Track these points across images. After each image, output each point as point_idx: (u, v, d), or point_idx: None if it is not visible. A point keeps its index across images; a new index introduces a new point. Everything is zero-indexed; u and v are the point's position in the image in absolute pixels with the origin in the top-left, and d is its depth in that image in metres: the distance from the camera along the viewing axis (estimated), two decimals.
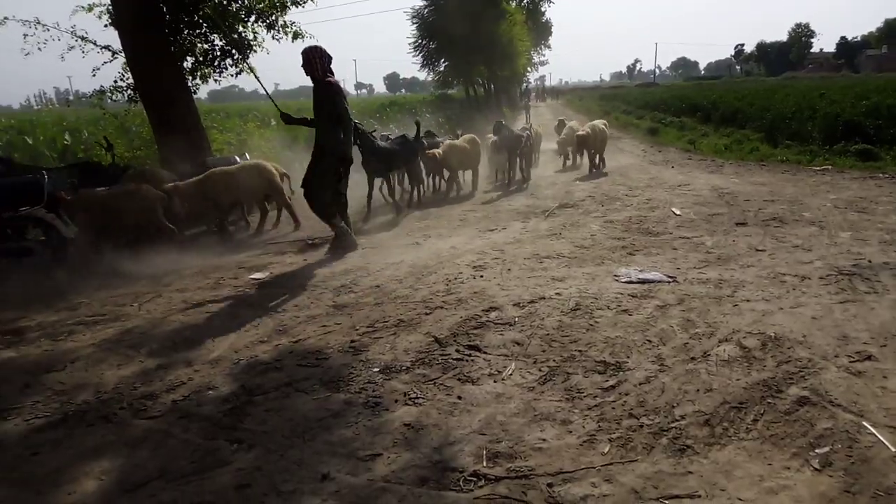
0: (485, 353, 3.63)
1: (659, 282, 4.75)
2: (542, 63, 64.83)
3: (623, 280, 4.84)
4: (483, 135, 11.67)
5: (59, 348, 4.15)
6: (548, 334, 3.83)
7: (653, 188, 9.33)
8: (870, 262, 4.98)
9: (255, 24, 9.92)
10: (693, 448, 2.58)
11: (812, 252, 5.39)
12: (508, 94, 45.89)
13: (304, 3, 10.23)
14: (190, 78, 9.62)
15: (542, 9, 51.68)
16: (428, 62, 31.57)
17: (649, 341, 3.66)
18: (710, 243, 5.88)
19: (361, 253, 6.46)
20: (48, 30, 9.02)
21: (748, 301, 4.23)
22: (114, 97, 9.97)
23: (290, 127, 8.45)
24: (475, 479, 2.46)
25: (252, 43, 9.93)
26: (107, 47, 9.50)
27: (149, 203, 6.56)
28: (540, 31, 52.94)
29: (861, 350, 3.40)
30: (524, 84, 47.00)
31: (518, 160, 10.79)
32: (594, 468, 2.48)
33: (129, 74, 9.33)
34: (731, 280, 4.71)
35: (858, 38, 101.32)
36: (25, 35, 8.96)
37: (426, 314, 4.34)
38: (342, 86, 6.29)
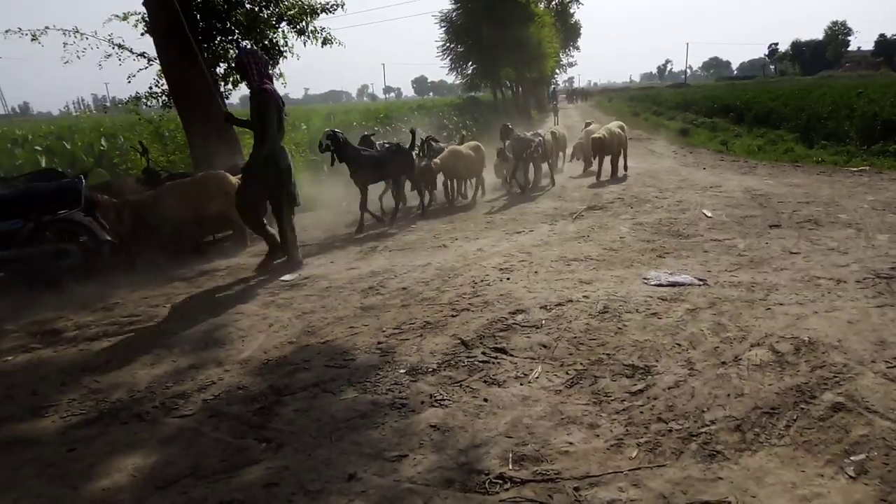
0: (511, 355, 3.62)
1: (689, 285, 4.68)
2: (571, 64, 64.54)
3: (652, 283, 4.78)
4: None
5: (94, 348, 4.26)
6: (575, 337, 3.80)
7: (683, 190, 9.20)
8: None
9: (286, 30, 10.07)
10: (723, 454, 2.54)
11: (848, 255, 5.25)
12: (536, 95, 45.75)
13: (334, 9, 10.36)
14: (222, 83, 9.81)
15: (571, 10, 51.47)
16: (456, 65, 31.68)
17: (679, 345, 3.60)
18: (742, 246, 5.77)
19: (388, 255, 6.50)
20: (86, 38, 9.28)
21: (781, 305, 4.14)
22: (149, 103, 10.22)
23: (322, 131, 8.54)
24: (501, 481, 2.45)
25: (282, 48, 10.08)
26: (142, 54, 9.75)
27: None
28: (569, 32, 52.67)
29: None
30: (552, 86, 46.77)
31: (528, 166, 10.22)
32: (622, 473, 2.45)
33: (164, 81, 9.55)
34: (764, 283, 4.61)
35: None
36: (65, 44, 9.24)
37: (452, 316, 4.35)
38: (280, 93, 5.92)
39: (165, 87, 9.64)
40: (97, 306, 5.26)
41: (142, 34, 9.61)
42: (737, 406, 2.89)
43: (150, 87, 10.06)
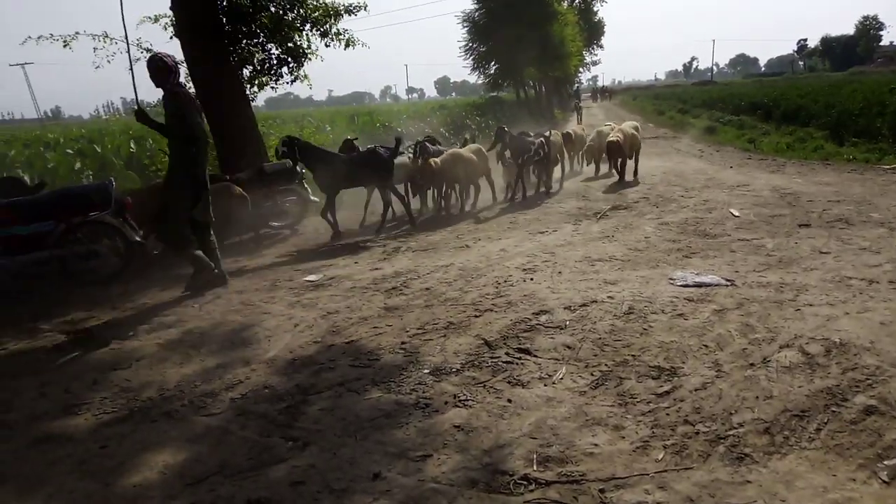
0: (535, 356, 3.61)
1: (716, 285, 4.62)
2: (595, 63, 64.03)
3: (679, 283, 4.72)
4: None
5: (125, 347, 4.35)
6: (600, 338, 3.78)
7: (710, 189, 9.07)
8: None
9: (310, 33, 10.16)
10: (752, 456, 2.50)
11: (881, 254, 5.13)
12: (560, 95, 45.49)
13: (357, 11, 10.42)
14: (248, 86, 9.93)
15: (595, 8, 51.13)
16: (478, 65, 31.62)
17: (706, 346, 3.56)
18: (770, 245, 5.67)
19: (412, 255, 6.52)
20: (116, 43, 9.46)
21: (811, 305, 4.07)
22: None
23: (347, 132, 8.57)
24: (525, 482, 2.45)
25: (307, 51, 10.17)
26: None
27: None
28: (592, 30, 52.33)
29: None
30: (576, 85, 46.45)
31: (529, 170, 9.75)
32: (648, 475, 2.43)
33: (191, 83, 9.69)
34: (794, 284, 4.53)
35: None
36: (95, 48, 9.44)
37: (476, 317, 4.35)
38: (191, 97, 5.59)
39: (192, 90, 9.78)
40: (127, 306, 5.37)
41: (170, 37, 9.77)
42: (765, 408, 2.84)
43: None
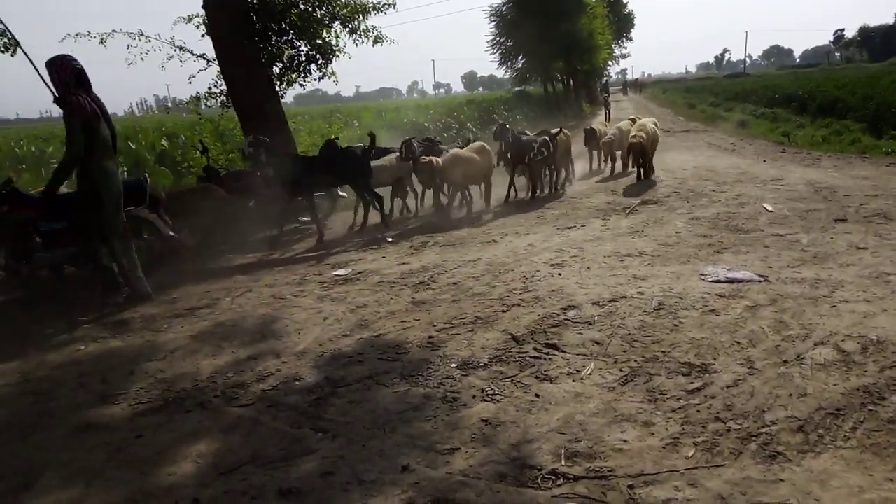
0: (563, 351, 3.60)
1: (749, 281, 4.54)
2: (624, 56, 63.30)
3: (710, 279, 4.65)
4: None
5: (159, 339, 4.45)
6: (629, 334, 3.74)
7: (743, 183, 8.89)
8: None
9: (339, 29, 10.22)
10: (785, 455, 2.46)
11: None
12: (588, 88, 45.04)
13: (386, 8, 10.44)
14: (278, 83, 10.03)
15: (624, 0, 50.42)
16: (506, 59, 31.49)
17: (738, 343, 3.51)
18: (805, 241, 5.55)
19: (439, 250, 6.53)
20: (150, 41, 9.64)
21: (847, 302, 3.97)
22: (208, 103, 10.54)
23: (373, 128, 8.59)
24: (553, 477, 2.45)
25: (335, 48, 10.23)
26: (202, 56, 10.06)
27: None
28: (622, 23, 51.73)
29: None
30: (604, 78, 45.92)
31: (532, 171, 9.24)
32: (678, 472, 2.41)
33: (223, 81, 9.83)
34: (829, 280, 4.43)
35: None
36: (129, 46, 9.62)
37: (503, 312, 4.35)
38: (87, 104, 5.07)
39: (224, 87, 9.93)
40: (161, 299, 5.49)
41: (202, 36, 9.92)
42: (799, 406, 2.79)
43: (210, 88, 10.37)
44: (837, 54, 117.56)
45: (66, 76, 5.06)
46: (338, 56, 10.33)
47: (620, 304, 4.25)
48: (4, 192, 6.01)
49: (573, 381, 3.23)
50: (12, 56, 8.91)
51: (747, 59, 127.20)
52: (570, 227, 7.05)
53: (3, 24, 8.21)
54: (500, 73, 34.14)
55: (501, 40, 31.12)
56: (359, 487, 2.48)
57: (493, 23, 31.00)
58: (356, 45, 10.39)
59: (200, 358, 4.00)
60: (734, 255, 5.27)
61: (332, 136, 9.29)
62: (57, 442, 3.07)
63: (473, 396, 3.16)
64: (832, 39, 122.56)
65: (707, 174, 10.10)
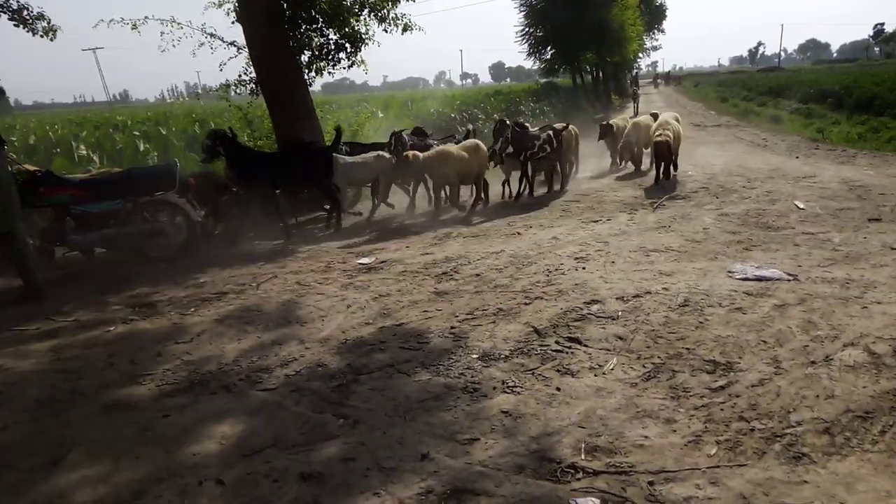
0: (585, 345, 3.58)
1: (778, 279, 4.45)
2: (655, 48, 62.30)
3: (738, 277, 4.58)
4: (587, 124, 11.34)
5: (186, 322, 4.53)
6: (653, 330, 3.71)
7: (774, 180, 8.71)
8: None
9: (368, 18, 10.21)
10: (810, 456, 2.42)
11: None
12: (618, 80, 44.46)
13: None
14: (306, 71, 10.08)
15: None
16: (534, 50, 31.21)
17: (764, 342, 3.45)
18: (837, 240, 5.43)
19: (462, 241, 6.53)
20: (182, 28, 9.75)
21: (879, 303, 3.88)
22: (238, 90, 10.64)
23: (397, 116, 8.56)
24: (573, 471, 2.44)
25: (364, 36, 10.24)
26: (232, 43, 10.15)
27: None
28: (653, 14, 50.91)
29: None
30: (634, 70, 45.27)
31: (532, 168, 8.90)
32: (699, 469, 2.39)
33: (252, 68, 9.91)
34: (861, 280, 4.33)
35: None
36: (162, 33, 9.75)
37: (525, 304, 4.34)
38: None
39: (253, 74, 10.00)
40: (189, 283, 5.58)
41: (232, 23, 10.00)
42: (826, 408, 2.74)
43: (240, 75, 10.46)
44: (877, 49, 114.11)
45: None
46: (366, 44, 10.34)
47: (645, 300, 4.20)
48: (40, 175, 6.17)
49: (595, 375, 3.22)
50: (51, 40, 9.10)
51: (782, 53, 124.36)
52: (595, 221, 6.99)
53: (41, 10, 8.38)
54: (529, 63, 33.85)
55: (530, 30, 30.84)
56: (379, 474, 2.50)
57: (523, 12, 30.74)
58: (386, 32, 10.40)
59: (226, 341, 4.06)
60: (763, 253, 5.18)
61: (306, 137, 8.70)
62: (86, 419, 3.15)
63: (494, 388, 3.16)
64: (871, 34, 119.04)
65: (738, 170, 9.91)
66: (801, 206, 6.86)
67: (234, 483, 2.51)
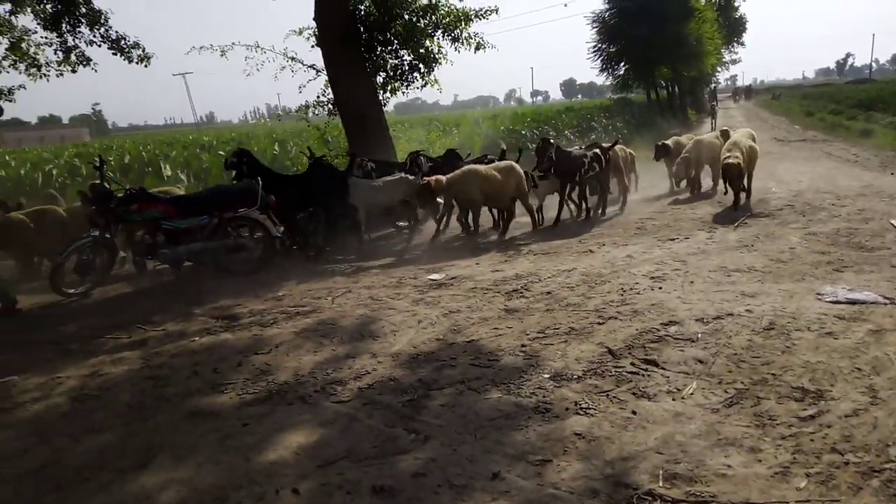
0: (663, 368, 3.46)
1: (873, 303, 4.17)
2: (734, 61, 60.21)
3: (828, 299, 4.32)
4: (658, 140, 11.00)
5: (265, 334, 4.70)
6: (735, 354, 3.54)
7: (866, 197, 8.19)
8: None
9: (441, 38, 10.42)
10: None
11: None
12: (695, 95, 43.18)
13: (489, 15, 10.54)
14: (381, 91, 10.37)
15: (736, 3, 48.05)
16: (607, 66, 30.82)
17: (859, 370, 3.23)
18: None
19: (533, 259, 6.48)
20: (265, 52, 10.27)
21: None
22: (316, 111, 11.07)
23: (470, 136, 8.62)
24: (650, 498, 2.35)
25: (437, 56, 10.44)
26: (312, 66, 10.60)
27: None
28: (733, 27, 49.23)
29: None
30: (712, 84, 43.80)
31: (576, 189, 8.45)
32: (787, 503, 2.25)
33: (330, 90, 10.29)
34: None
35: None
36: (246, 58, 10.30)
37: (599, 324, 4.25)
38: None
39: (331, 95, 10.38)
40: (268, 296, 5.79)
41: (312, 47, 10.44)
42: None
43: (318, 97, 10.91)
44: None
45: None
46: (440, 64, 10.54)
47: (727, 322, 4.03)
48: (134, 192, 6.59)
49: (673, 399, 3.10)
50: (145, 67, 9.79)
51: (873, 64, 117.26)
52: (672, 239, 6.78)
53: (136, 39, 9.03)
54: (601, 80, 33.47)
55: (603, 46, 30.50)
56: (449, 491, 2.50)
57: (595, 28, 30.46)
58: (458, 51, 10.57)
59: (302, 353, 4.18)
60: (856, 275, 4.87)
61: (322, 155, 8.63)
62: (172, 425, 3.31)
63: (567, 409, 3.10)
64: None
65: (826, 186, 9.39)
66: None
67: (308, 493, 2.57)
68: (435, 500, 2.45)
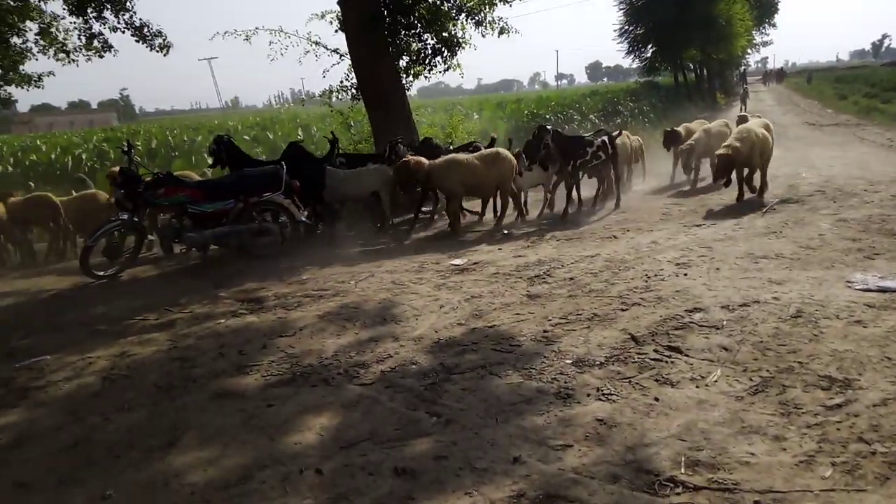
0: (686, 355, 3.43)
1: None
2: (765, 43, 58.75)
3: (858, 287, 4.23)
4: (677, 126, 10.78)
5: (290, 317, 4.76)
6: (761, 341, 3.49)
7: None
8: None
9: (465, 22, 10.33)
10: None
11: None
12: (723, 78, 42.29)
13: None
14: (404, 76, 10.33)
15: None
16: (634, 48, 30.34)
17: (889, 359, 3.16)
18: None
19: (556, 244, 6.44)
20: (289, 37, 10.28)
21: None
22: (339, 95, 11.07)
23: (493, 120, 8.55)
24: (671, 485, 2.34)
25: (461, 40, 10.36)
26: (335, 51, 10.59)
27: None
28: (764, 8, 47.95)
29: None
30: (742, 67, 42.82)
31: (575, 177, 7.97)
32: (812, 492, 2.23)
33: (353, 74, 10.29)
34: None
35: None
36: (271, 42, 10.32)
37: (622, 310, 4.22)
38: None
39: (354, 80, 10.37)
40: (292, 279, 5.86)
41: (335, 31, 10.42)
42: None
43: (341, 81, 10.91)
44: None
45: None
46: (463, 48, 10.46)
47: (753, 309, 3.97)
48: (161, 177, 6.69)
49: (697, 386, 3.07)
50: (164, 55, 9.91)
51: None
52: (698, 225, 6.68)
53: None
54: (627, 62, 33.00)
55: (630, 28, 30.02)
56: (471, 474, 2.52)
57: (622, 10, 29.98)
58: (483, 36, 10.48)
59: (326, 336, 4.23)
60: (888, 262, 4.75)
61: (299, 140, 8.51)
62: (199, 405, 3.38)
63: (588, 394, 3.09)
64: None
65: (858, 172, 9.16)
66: None
67: (331, 473, 2.60)
68: (456, 483, 2.47)
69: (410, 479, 2.52)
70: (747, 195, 7.79)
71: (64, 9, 9.75)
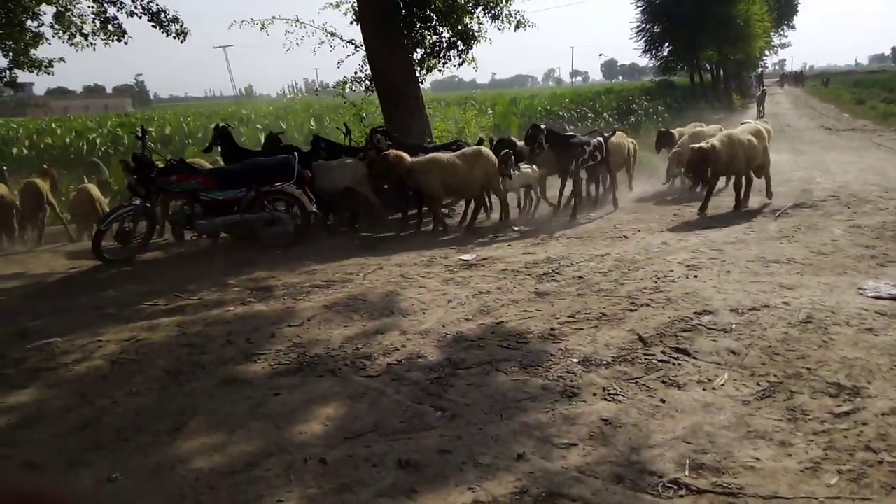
0: (694, 358, 3.42)
1: None
2: (784, 45, 58.16)
3: (870, 294, 4.19)
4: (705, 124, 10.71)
5: (298, 306, 4.78)
6: (770, 346, 3.48)
7: None
8: None
9: (481, 15, 10.28)
10: None
11: None
12: (740, 79, 41.92)
13: None
14: (418, 68, 10.31)
15: None
16: (650, 47, 30.14)
17: None
18: None
19: (566, 242, 6.43)
20: (305, 27, 10.28)
21: None
22: (353, 87, 11.06)
23: (507, 115, 8.52)
24: (675, 486, 2.34)
25: (476, 33, 10.32)
26: (350, 41, 10.58)
27: None
28: (783, 9, 47.46)
29: None
30: (759, 69, 42.39)
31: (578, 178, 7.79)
32: (816, 499, 2.22)
33: (367, 66, 10.27)
34: None
35: None
36: (286, 32, 10.33)
37: (630, 310, 4.20)
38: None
39: (368, 71, 10.36)
40: (301, 270, 5.88)
41: (350, 22, 10.41)
42: None
43: (355, 72, 10.90)
44: None
45: None
46: (478, 42, 10.42)
47: (762, 314, 3.95)
48: (174, 163, 6.72)
49: (703, 389, 3.06)
50: (181, 42, 9.92)
51: None
52: (709, 228, 6.65)
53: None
54: (643, 61, 32.83)
55: (647, 26, 29.81)
56: (474, 469, 2.52)
57: (640, 8, 29.77)
58: (499, 30, 10.44)
59: (333, 327, 4.24)
60: None
61: (279, 132, 8.56)
62: (206, 392, 3.40)
63: (594, 394, 3.09)
64: None
65: (874, 178, 9.07)
66: None
67: (335, 463, 2.62)
68: (459, 478, 2.48)
69: (414, 471, 2.53)
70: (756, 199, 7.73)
71: None
